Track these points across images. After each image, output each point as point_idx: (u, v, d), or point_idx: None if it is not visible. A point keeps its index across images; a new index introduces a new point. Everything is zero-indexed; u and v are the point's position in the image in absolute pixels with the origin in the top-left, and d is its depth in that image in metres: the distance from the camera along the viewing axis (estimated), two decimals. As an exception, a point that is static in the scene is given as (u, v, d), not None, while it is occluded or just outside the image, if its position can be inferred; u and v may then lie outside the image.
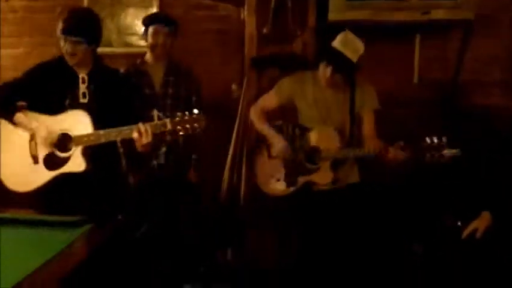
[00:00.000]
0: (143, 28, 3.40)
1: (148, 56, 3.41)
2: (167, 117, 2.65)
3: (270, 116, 3.20)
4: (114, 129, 2.66)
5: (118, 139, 2.70)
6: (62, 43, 2.74)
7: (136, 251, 2.93)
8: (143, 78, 3.34)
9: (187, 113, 2.66)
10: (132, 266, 2.71)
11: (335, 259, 3.03)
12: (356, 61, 2.90)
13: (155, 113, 2.67)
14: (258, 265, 3.86)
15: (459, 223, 2.92)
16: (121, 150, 2.92)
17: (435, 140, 2.71)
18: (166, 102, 3.31)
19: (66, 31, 2.70)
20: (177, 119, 2.65)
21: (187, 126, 2.65)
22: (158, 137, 2.72)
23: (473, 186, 3.14)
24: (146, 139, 2.62)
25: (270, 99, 3.19)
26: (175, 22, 3.42)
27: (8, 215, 2.33)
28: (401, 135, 3.11)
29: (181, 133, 2.66)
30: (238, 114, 3.85)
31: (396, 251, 3.47)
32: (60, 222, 2.22)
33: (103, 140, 2.66)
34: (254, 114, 3.22)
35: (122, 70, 3.28)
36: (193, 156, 3.52)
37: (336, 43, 2.91)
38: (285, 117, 3.24)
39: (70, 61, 2.77)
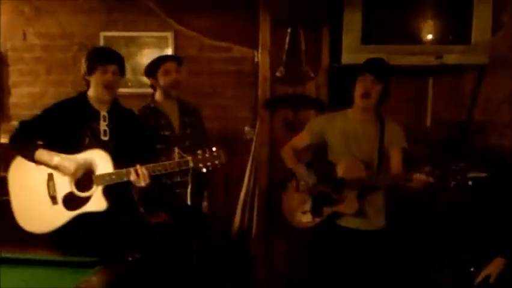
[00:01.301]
0: (148, 72, 3.40)
1: (159, 97, 3.39)
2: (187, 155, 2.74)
3: (300, 156, 3.25)
4: (118, 171, 2.71)
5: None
6: (99, 77, 2.78)
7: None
8: (161, 119, 3.33)
9: (207, 150, 2.75)
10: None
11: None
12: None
13: (176, 150, 2.77)
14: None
15: (472, 269, 2.88)
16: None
17: (460, 164, 2.71)
18: (185, 144, 3.28)
19: (107, 60, 2.79)
20: (199, 156, 2.73)
21: (208, 163, 2.74)
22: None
23: (486, 230, 3.11)
24: (144, 181, 2.69)
25: (301, 138, 3.25)
26: (181, 58, 3.47)
27: (20, 255, 2.35)
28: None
29: (203, 170, 2.74)
30: (251, 154, 3.88)
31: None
32: (72, 263, 2.24)
33: (125, 179, 2.70)
34: (285, 153, 3.27)
35: (136, 110, 3.30)
36: (205, 194, 3.53)
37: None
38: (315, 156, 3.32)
39: (107, 95, 2.82)
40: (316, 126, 3.21)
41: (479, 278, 2.78)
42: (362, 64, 3.07)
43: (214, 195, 3.63)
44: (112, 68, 2.79)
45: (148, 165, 2.72)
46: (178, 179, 3.28)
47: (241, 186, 3.90)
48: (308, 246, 3.29)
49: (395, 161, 3.04)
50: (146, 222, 3.18)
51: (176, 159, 2.75)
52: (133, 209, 3.03)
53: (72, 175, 2.70)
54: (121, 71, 2.86)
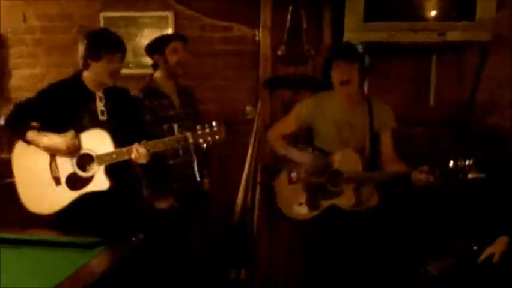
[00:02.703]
0: (154, 49, 3.35)
1: (160, 76, 3.35)
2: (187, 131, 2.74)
3: (289, 139, 3.22)
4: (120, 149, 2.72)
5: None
6: (107, 62, 2.77)
7: (149, 270, 2.91)
8: (164, 99, 3.29)
9: (206, 125, 2.74)
10: (145, 285, 2.69)
11: (351, 280, 3.03)
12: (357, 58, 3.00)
13: (175, 126, 2.78)
14: (269, 284, 3.85)
15: (475, 247, 2.90)
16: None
17: (460, 163, 2.69)
18: (188, 123, 3.20)
19: (116, 48, 2.79)
20: (198, 131, 2.73)
21: (209, 138, 2.74)
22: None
23: (489, 209, 3.11)
24: (144, 158, 2.71)
25: (288, 124, 3.21)
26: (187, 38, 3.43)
27: (21, 235, 2.35)
28: (418, 156, 3.12)
29: (204, 145, 2.76)
30: (253, 135, 3.87)
31: (412, 272, 3.42)
32: (75, 244, 2.25)
33: (126, 157, 2.71)
34: (273, 140, 3.25)
35: (136, 91, 3.28)
36: (205, 172, 3.50)
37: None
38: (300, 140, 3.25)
39: (111, 81, 2.83)
40: (305, 112, 3.15)
41: (483, 257, 2.79)
42: (332, 53, 3.08)
43: (216, 176, 3.61)
44: (118, 56, 2.79)
45: (147, 142, 2.72)
46: (181, 160, 3.24)
47: (243, 166, 3.88)
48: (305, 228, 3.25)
49: (386, 144, 3.05)
50: (150, 205, 3.18)
51: (176, 134, 2.75)
52: (136, 191, 3.05)
53: (66, 153, 2.70)
54: (123, 57, 2.86)
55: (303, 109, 3.17)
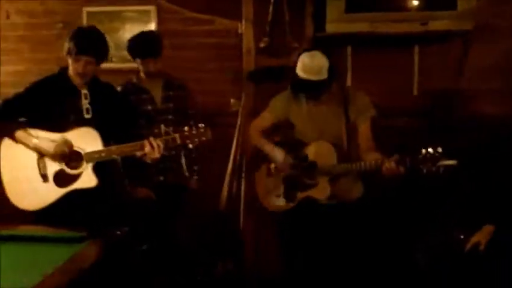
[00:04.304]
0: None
1: (143, 74, 3.39)
2: (173, 131, 2.75)
3: (267, 133, 3.20)
4: (125, 145, 2.74)
5: (130, 154, 2.76)
6: (72, 63, 2.77)
7: (136, 263, 2.93)
8: (143, 94, 3.35)
9: (193, 127, 2.77)
10: (131, 279, 2.71)
11: (336, 270, 3.03)
12: (326, 76, 2.86)
13: (162, 127, 2.77)
14: (258, 276, 3.86)
15: (462, 236, 2.90)
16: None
17: (431, 151, 2.65)
18: (167, 117, 3.32)
19: (79, 51, 2.74)
20: (186, 133, 2.76)
21: (196, 139, 2.77)
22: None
23: (475, 197, 3.11)
24: (158, 153, 2.71)
25: (265, 118, 3.20)
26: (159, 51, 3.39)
27: (8, 231, 2.35)
28: (400, 146, 3.12)
29: (190, 146, 2.79)
30: (237, 127, 3.88)
31: (399, 261, 3.46)
32: (61, 238, 2.26)
33: (114, 156, 2.73)
34: (252, 133, 3.24)
35: (119, 86, 3.29)
36: (195, 168, 3.53)
37: (299, 71, 2.88)
38: (281, 133, 3.24)
39: (80, 80, 2.82)
40: (280, 107, 3.13)
41: (469, 246, 2.80)
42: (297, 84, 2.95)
43: (200, 169, 3.62)
44: (84, 58, 2.75)
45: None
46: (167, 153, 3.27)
47: (228, 159, 3.89)
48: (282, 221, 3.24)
49: (364, 134, 2.98)
50: (132, 197, 3.20)
51: (163, 136, 2.76)
52: (119, 184, 3.06)
53: (53, 157, 2.71)
54: (98, 60, 2.81)
55: (278, 103, 3.14)
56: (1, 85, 4.25)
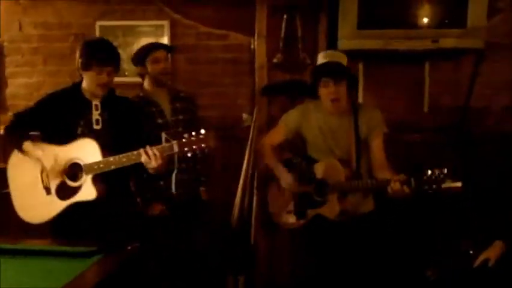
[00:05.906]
0: (137, 60, 3.39)
1: (148, 85, 3.38)
2: (174, 139, 2.65)
3: (280, 147, 3.19)
4: (123, 155, 2.67)
5: (128, 164, 2.69)
6: (93, 75, 2.76)
7: (148, 279, 2.92)
8: (152, 107, 3.31)
9: (194, 133, 2.64)
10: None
11: (347, 284, 3.00)
12: (346, 66, 2.96)
13: (163, 135, 2.68)
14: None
15: (471, 251, 2.89)
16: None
17: (436, 172, 2.60)
18: (177, 130, 3.26)
19: (103, 63, 2.73)
20: (184, 140, 2.63)
21: (194, 147, 2.63)
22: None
23: (486, 214, 3.11)
24: (155, 162, 2.63)
25: (277, 133, 3.19)
26: (172, 47, 3.42)
27: (18, 245, 2.35)
28: (411, 163, 3.12)
29: (188, 154, 2.65)
30: (249, 142, 3.87)
31: (409, 276, 3.43)
32: (70, 253, 2.23)
33: (113, 167, 2.67)
34: (264, 151, 3.23)
35: None
36: (202, 178, 3.51)
37: (320, 59, 3.02)
38: (294, 149, 3.24)
39: (101, 91, 2.80)
40: (292, 121, 3.12)
41: (478, 261, 2.80)
42: (319, 69, 3.00)
43: (213, 183, 3.62)
44: (108, 69, 2.75)
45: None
46: (178, 166, 3.28)
47: (240, 173, 3.89)
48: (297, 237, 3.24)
49: (376, 151, 2.95)
50: (142, 213, 3.19)
51: (164, 144, 2.67)
52: (130, 199, 3.04)
53: (52, 170, 2.70)
54: (117, 69, 2.82)
55: (290, 117, 3.14)
56: (13, 98, 4.28)
